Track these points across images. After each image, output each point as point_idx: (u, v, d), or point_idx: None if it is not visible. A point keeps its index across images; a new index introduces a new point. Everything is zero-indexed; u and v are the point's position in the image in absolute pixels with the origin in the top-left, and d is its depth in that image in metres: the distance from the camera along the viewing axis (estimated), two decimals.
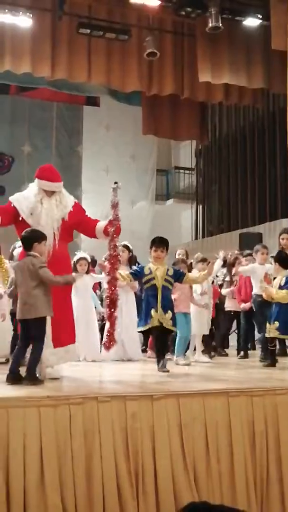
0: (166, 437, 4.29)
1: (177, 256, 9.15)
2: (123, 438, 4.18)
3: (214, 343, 9.37)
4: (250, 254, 9.16)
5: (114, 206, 6.11)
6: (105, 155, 17.14)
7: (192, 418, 4.41)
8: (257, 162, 15.98)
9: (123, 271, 6.58)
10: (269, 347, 7.44)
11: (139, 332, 6.91)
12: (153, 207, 18.03)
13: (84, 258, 8.31)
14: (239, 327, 9.43)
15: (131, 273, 6.57)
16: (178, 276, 6.60)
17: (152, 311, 6.29)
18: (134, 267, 7.08)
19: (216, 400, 4.55)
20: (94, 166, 16.87)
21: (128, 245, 8.60)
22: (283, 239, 8.49)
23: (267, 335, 7.23)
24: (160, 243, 6.62)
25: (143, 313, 6.47)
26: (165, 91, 12.28)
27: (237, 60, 11.64)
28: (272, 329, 7.02)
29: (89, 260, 8.46)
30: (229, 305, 9.40)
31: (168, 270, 6.51)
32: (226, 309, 9.42)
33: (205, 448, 4.41)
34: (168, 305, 6.45)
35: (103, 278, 8.89)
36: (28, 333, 5.16)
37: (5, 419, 3.90)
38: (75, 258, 7.78)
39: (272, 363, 7.30)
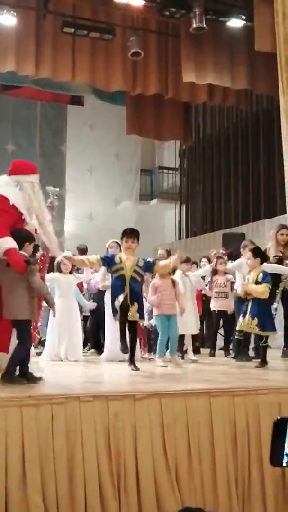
0: (148, 437, 4.29)
1: (158, 256, 9.17)
2: (105, 438, 4.18)
3: (197, 344, 9.41)
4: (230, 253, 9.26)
5: (51, 208, 6.10)
6: (89, 155, 17.13)
7: (174, 418, 4.41)
8: (241, 163, 16.04)
9: (93, 256, 6.63)
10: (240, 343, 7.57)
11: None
12: (137, 206, 18.03)
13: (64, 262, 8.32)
14: (225, 326, 9.52)
15: (101, 258, 6.59)
16: (149, 266, 6.64)
17: (120, 296, 6.32)
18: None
19: (198, 400, 4.56)
20: (78, 165, 16.86)
21: (119, 242, 8.65)
22: (282, 234, 8.40)
23: (241, 329, 7.28)
24: (131, 233, 6.67)
25: (111, 303, 6.55)
26: (149, 91, 12.29)
27: (221, 61, 11.67)
28: (252, 326, 7.05)
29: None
30: (214, 305, 9.46)
31: (138, 261, 6.53)
32: (211, 309, 9.47)
33: (187, 448, 4.42)
34: (135, 296, 6.48)
35: (85, 277, 8.92)
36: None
37: None
38: (58, 258, 7.78)
39: (248, 359, 7.44)
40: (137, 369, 6.44)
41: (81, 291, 9.37)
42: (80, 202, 16.68)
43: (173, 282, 7.60)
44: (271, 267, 7.69)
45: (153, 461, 4.26)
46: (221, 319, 9.60)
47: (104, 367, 7.42)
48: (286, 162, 9.96)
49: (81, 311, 9.08)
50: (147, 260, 6.72)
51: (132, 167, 18.08)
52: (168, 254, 9.17)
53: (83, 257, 6.97)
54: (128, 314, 6.41)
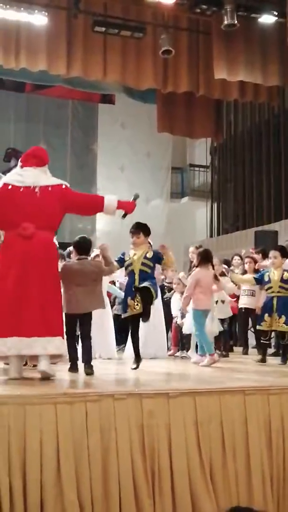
0: (182, 435, 4.29)
1: (190, 254, 9.14)
2: (139, 436, 4.18)
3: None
4: (263, 251, 9.18)
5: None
6: (120, 153, 17.15)
7: (208, 416, 4.40)
8: (272, 160, 15.93)
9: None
10: (262, 341, 7.49)
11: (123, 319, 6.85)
12: (168, 205, 18.02)
13: (98, 255, 8.33)
14: (254, 324, 9.46)
15: (116, 260, 6.59)
16: (158, 258, 6.59)
17: (129, 299, 6.32)
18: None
19: (232, 398, 4.54)
20: (109, 164, 16.89)
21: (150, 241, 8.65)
22: None
23: (266, 328, 7.25)
24: (135, 229, 6.65)
25: (123, 302, 6.62)
26: (180, 88, 12.25)
27: (252, 58, 11.59)
28: (280, 323, 7.03)
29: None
30: (242, 303, 9.42)
31: (147, 253, 6.50)
32: (239, 307, 9.43)
33: (222, 446, 4.40)
34: (145, 291, 6.39)
35: (118, 275, 8.94)
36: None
37: (22, 416, 3.91)
38: (92, 255, 7.83)
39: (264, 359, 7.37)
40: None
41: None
42: None
43: (215, 276, 7.54)
44: None
45: (187, 459, 4.26)
46: (250, 317, 9.55)
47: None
48: None
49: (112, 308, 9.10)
50: (157, 252, 6.64)
51: (163, 165, 18.07)
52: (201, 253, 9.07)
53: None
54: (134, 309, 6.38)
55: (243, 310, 9.46)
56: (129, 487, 4.05)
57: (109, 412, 4.15)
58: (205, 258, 7.44)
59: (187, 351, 8.71)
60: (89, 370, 5.70)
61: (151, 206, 17.65)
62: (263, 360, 7.43)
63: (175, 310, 8.86)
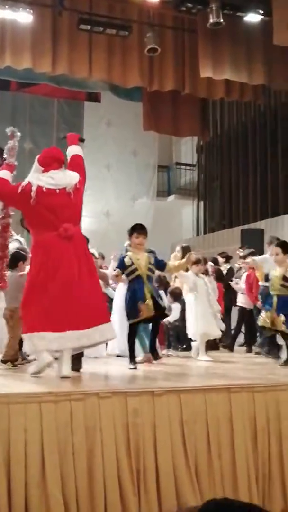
0: (167, 433, 4.28)
1: (176, 253, 9.15)
2: (125, 434, 4.17)
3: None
4: (253, 253, 9.20)
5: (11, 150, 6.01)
6: (106, 151, 17.11)
7: (193, 414, 4.40)
8: (259, 158, 15.96)
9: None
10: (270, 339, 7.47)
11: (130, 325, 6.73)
12: (154, 203, 18.01)
13: (92, 254, 8.31)
14: (246, 322, 9.54)
15: (117, 268, 6.60)
16: (160, 265, 6.64)
17: (139, 303, 6.31)
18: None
19: (217, 396, 4.54)
20: (95, 162, 16.83)
21: None
22: None
23: (264, 324, 7.06)
24: (142, 229, 6.64)
25: (130, 305, 6.47)
26: (166, 86, 12.26)
27: (238, 56, 11.61)
28: (279, 323, 6.82)
29: (97, 257, 8.48)
30: (238, 301, 9.51)
31: (149, 258, 6.52)
32: (237, 304, 9.53)
33: (207, 444, 4.40)
34: (155, 293, 6.49)
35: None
36: None
37: (6, 415, 3.89)
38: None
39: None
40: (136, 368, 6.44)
41: None
42: (97, 199, 16.67)
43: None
44: None
45: (173, 457, 4.25)
46: (244, 316, 9.60)
47: (124, 364, 7.40)
48: None
49: None
50: (159, 259, 6.69)
51: (150, 164, 18.06)
52: (186, 250, 9.09)
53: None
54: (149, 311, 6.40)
55: (238, 308, 9.53)
56: (114, 486, 4.04)
57: (94, 410, 4.13)
58: None
59: (174, 349, 8.73)
60: (77, 366, 5.71)
61: (137, 204, 17.64)
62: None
63: None
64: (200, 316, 7.83)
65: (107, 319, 5.55)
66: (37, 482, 3.84)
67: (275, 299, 6.88)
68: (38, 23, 10.84)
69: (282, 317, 6.78)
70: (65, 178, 5.54)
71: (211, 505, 0.91)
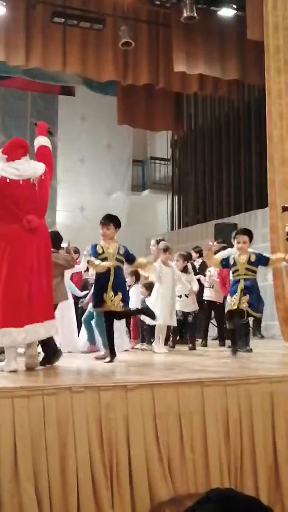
0: (140, 427, 4.29)
1: (151, 247, 9.18)
2: (97, 429, 4.17)
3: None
4: (225, 247, 9.24)
5: None
6: (80, 145, 17.08)
7: (166, 408, 4.41)
8: (232, 153, 16.03)
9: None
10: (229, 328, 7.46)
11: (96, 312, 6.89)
12: (129, 197, 18.01)
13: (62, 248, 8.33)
14: (217, 317, 9.57)
15: (91, 255, 6.58)
16: (130, 258, 6.66)
17: (105, 296, 6.35)
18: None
19: (190, 389, 4.55)
20: (70, 156, 16.81)
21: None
22: None
23: (230, 308, 7.09)
24: (104, 220, 6.64)
25: (95, 295, 6.52)
26: (140, 81, 12.25)
27: (212, 51, 11.65)
28: (244, 301, 6.93)
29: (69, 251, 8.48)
30: (205, 295, 9.51)
31: (119, 248, 6.53)
32: (203, 299, 9.52)
33: (180, 438, 4.41)
34: (120, 285, 6.49)
35: (81, 268, 8.96)
36: None
37: None
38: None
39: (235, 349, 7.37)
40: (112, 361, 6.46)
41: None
42: (71, 193, 16.64)
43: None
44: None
45: (146, 450, 4.26)
46: (212, 310, 9.64)
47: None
48: (269, 149, 10.03)
49: (77, 303, 9.09)
50: (130, 253, 6.71)
51: (124, 158, 18.04)
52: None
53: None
54: (112, 305, 6.40)
55: (206, 302, 9.54)
56: (87, 480, 4.04)
57: (66, 405, 4.12)
58: None
59: (148, 343, 8.76)
60: (49, 362, 5.85)
61: (112, 198, 17.63)
62: (234, 350, 7.34)
63: (132, 303, 8.88)
64: (161, 306, 7.88)
65: (52, 316, 5.61)
66: (10, 478, 3.82)
67: (241, 282, 7.02)
68: (11, 15, 10.75)
69: (247, 296, 6.92)
70: (30, 169, 5.47)
71: (214, 494, 0.92)
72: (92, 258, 6.48)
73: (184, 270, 8.76)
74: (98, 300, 6.48)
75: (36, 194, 5.44)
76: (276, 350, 8.71)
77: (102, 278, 6.43)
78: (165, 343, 8.42)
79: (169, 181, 18.88)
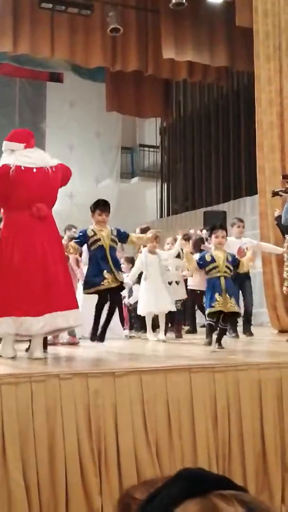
0: (128, 414, 4.29)
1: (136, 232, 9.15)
2: (86, 416, 4.17)
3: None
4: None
5: None
6: (69, 132, 16.98)
7: (154, 395, 4.41)
8: (222, 140, 16.00)
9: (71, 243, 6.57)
10: (209, 322, 7.25)
11: (88, 293, 6.72)
12: (118, 185, 17.94)
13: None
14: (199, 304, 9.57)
15: (75, 242, 6.53)
16: (122, 236, 6.65)
17: (105, 272, 6.31)
18: (76, 235, 7.05)
19: (178, 376, 4.56)
20: (58, 143, 16.71)
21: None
22: None
23: (219, 309, 6.74)
24: (105, 206, 6.65)
25: (92, 275, 6.45)
26: (129, 67, 12.19)
27: (200, 38, 11.59)
28: (232, 304, 6.72)
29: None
30: (189, 284, 9.51)
31: (112, 230, 6.54)
32: (187, 287, 9.49)
33: (168, 424, 4.42)
34: (117, 264, 6.56)
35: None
36: None
37: None
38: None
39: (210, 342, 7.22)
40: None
41: None
42: None
43: None
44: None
45: (134, 437, 4.26)
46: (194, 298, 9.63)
47: (85, 345, 7.41)
48: (259, 136, 10.03)
49: None
50: (121, 230, 6.71)
51: (113, 145, 17.97)
52: (144, 232, 9.07)
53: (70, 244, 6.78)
54: (113, 280, 6.39)
55: (189, 290, 9.55)
56: (75, 467, 4.04)
57: (54, 392, 4.12)
58: None
59: (136, 330, 8.77)
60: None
61: (101, 186, 17.56)
62: (209, 343, 7.12)
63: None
64: (148, 294, 7.87)
65: (75, 305, 5.50)
66: None
67: (222, 280, 6.76)
68: None
69: (233, 299, 6.78)
70: (42, 158, 5.51)
71: (182, 473, 0.91)
72: (72, 243, 6.48)
73: (178, 255, 8.74)
74: (97, 280, 6.41)
75: (48, 183, 5.44)
76: (264, 337, 8.75)
77: (100, 260, 6.41)
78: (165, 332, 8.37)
79: (158, 169, 18.84)
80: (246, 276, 8.46)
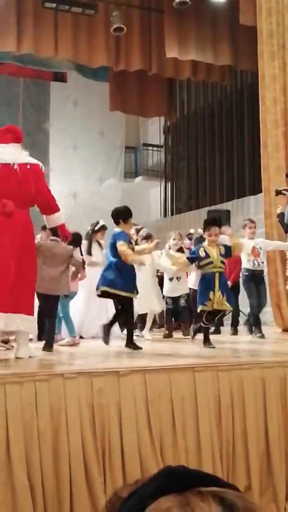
0: (132, 413, 4.30)
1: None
2: (90, 415, 4.18)
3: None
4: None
5: None
6: (73, 132, 16.98)
7: (158, 394, 4.42)
8: (225, 139, 15.98)
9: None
10: (204, 326, 7.16)
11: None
12: (121, 184, 17.93)
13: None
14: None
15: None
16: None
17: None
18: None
19: (182, 375, 4.56)
20: (62, 142, 16.72)
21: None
22: None
23: (216, 307, 6.76)
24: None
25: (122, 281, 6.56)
26: (133, 66, 12.17)
27: (204, 37, 11.57)
28: (224, 302, 6.73)
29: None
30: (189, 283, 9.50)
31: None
32: (188, 286, 9.48)
33: (172, 423, 4.43)
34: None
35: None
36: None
37: None
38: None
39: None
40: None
41: None
42: (64, 180, 16.55)
43: None
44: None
45: (138, 436, 4.27)
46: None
47: (88, 344, 7.42)
48: (263, 135, 10.02)
49: None
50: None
51: (117, 144, 17.96)
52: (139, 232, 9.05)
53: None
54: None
55: (191, 290, 9.53)
56: (80, 466, 4.05)
57: (59, 391, 4.13)
58: None
59: (140, 330, 8.75)
60: (49, 349, 5.95)
61: (104, 185, 17.56)
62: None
63: None
64: (140, 294, 7.87)
65: (30, 312, 5.41)
66: (2, 465, 3.83)
67: (217, 276, 6.75)
68: (2, 1, 10.65)
69: (225, 296, 6.74)
70: (12, 153, 5.38)
71: (163, 471, 0.91)
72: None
73: (181, 249, 8.74)
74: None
75: (16, 180, 5.32)
76: (268, 336, 8.72)
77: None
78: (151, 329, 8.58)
79: (161, 168, 18.83)
80: (260, 276, 8.41)
